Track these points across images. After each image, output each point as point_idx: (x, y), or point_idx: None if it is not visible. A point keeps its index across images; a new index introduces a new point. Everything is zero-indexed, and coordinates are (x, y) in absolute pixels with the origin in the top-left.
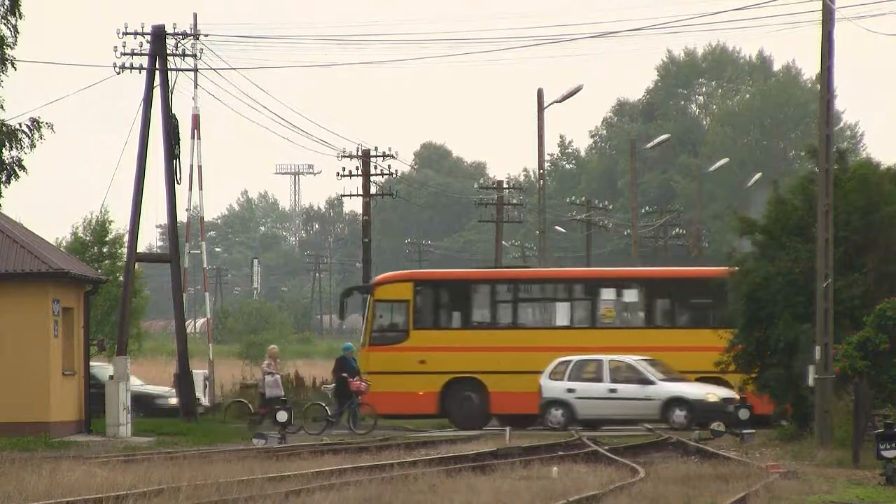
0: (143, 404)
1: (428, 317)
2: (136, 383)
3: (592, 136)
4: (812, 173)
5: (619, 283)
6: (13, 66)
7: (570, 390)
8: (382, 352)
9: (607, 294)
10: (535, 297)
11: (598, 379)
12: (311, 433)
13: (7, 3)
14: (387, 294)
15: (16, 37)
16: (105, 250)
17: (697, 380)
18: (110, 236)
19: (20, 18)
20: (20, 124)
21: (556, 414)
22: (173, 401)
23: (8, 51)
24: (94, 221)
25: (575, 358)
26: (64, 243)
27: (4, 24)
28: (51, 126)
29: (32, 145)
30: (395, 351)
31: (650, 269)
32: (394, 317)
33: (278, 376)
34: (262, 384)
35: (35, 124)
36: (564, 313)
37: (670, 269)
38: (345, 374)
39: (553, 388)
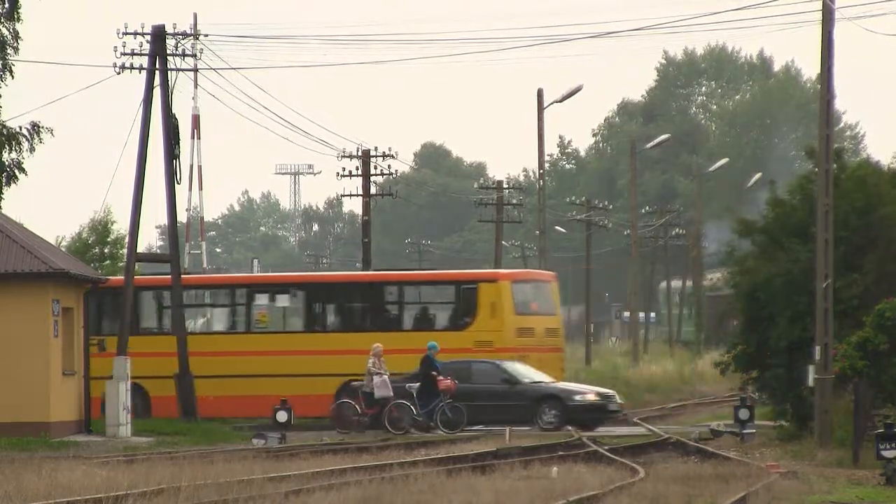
0: (555, 403)
1: None
2: (546, 380)
3: (595, 136)
4: (811, 173)
5: (275, 289)
6: (11, 73)
7: None
8: None
9: (262, 299)
10: (191, 303)
11: None
12: (394, 432)
13: (7, 5)
14: None
15: (17, 41)
16: (106, 251)
17: (347, 383)
18: (112, 237)
19: (18, 21)
20: (20, 127)
21: None
22: (590, 397)
23: (10, 55)
24: (98, 222)
25: None
26: (64, 243)
27: (4, 26)
28: (50, 130)
29: (32, 149)
30: None
31: (307, 274)
32: None
33: (386, 376)
34: (370, 384)
35: (35, 128)
36: (222, 318)
37: (327, 274)
38: (434, 373)
39: None
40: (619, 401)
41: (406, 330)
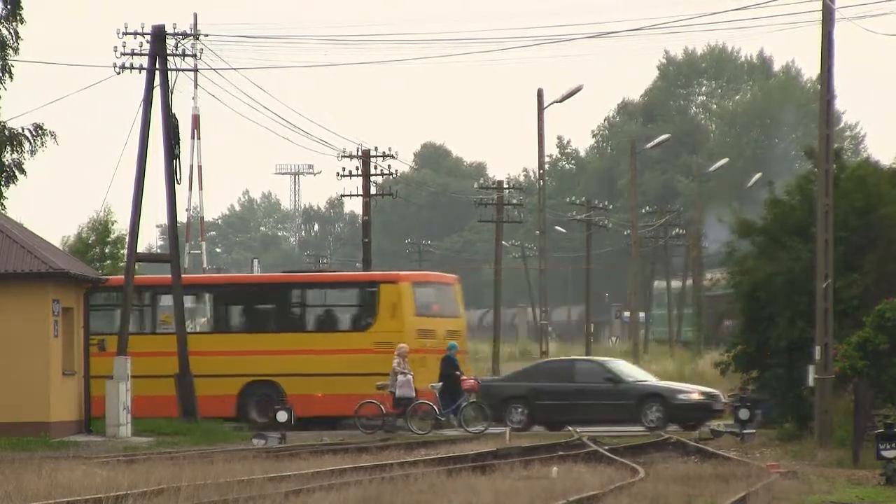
0: (659, 402)
1: None
2: (650, 379)
3: (595, 136)
4: (811, 173)
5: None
6: (10, 74)
7: None
8: None
9: (167, 300)
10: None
11: None
12: (419, 432)
13: (8, 6)
14: None
15: (17, 41)
16: (107, 251)
17: (250, 383)
18: (113, 236)
19: (21, 23)
20: (22, 128)
21: None
22: (695, 396)
23: (10, 56)
24: (98, 222)
25: None
26: (69, 243)
27: (5, 27)
28: (54, 135)
29: (33, 151)
30: None
31: (212, 276)
32: None
33: (410, 376)
34: (394, 384)
35: (38, 130)
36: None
37: (232, 276)
38: (458, 373)
39: None
40: (723, 400)
41: (308, 331)
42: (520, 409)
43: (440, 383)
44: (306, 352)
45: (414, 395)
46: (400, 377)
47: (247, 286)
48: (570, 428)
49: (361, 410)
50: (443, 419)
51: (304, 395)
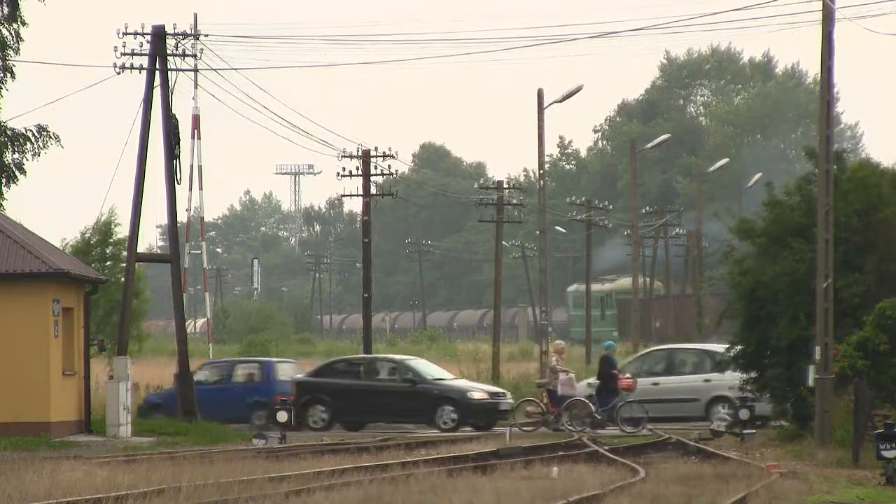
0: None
1: None
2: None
3: (596, 132)
4: (811, 173)
5: None
6: (12, 75)
7: None
8: None
9: None
10: None
11: None
12: (570, 429)
13: (6, 8)
14: None
15: (17, 42)
16: (108, 251)
17: None
18: (116, 237)
19: (23, 25)
20: (25, 129)
21: None
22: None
23: (11, 56)
24: (101, 223)
25: None
26: (70, 245)
27: (6, 28)
28: (57, 137)
29: (36, 153)
30: None
31: None
32: None
33: (572, 374)
34: (555, 382)
35: (42, 132)
36: None
37: None
38: (614, 371)
39: None
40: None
41: None
42: None
43: (597, 381)
44: None
45: (577, 392)
46: (562, 375)
47: None
48: (570, 428)
49: (522, 408)
50: (599, 417)
51: None
